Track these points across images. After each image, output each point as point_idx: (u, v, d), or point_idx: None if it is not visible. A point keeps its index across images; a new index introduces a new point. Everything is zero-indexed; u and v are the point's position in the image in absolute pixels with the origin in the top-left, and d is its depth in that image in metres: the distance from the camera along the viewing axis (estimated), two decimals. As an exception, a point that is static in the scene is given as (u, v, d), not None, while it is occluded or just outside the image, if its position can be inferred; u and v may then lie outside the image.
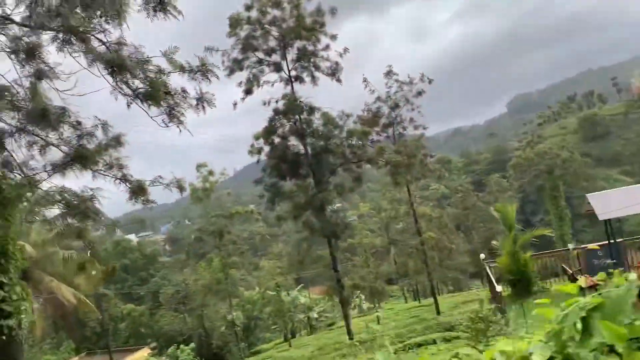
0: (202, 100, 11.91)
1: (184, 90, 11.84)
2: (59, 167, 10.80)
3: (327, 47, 25.67)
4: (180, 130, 11.10)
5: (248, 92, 26.38)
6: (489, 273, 20.59)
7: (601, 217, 16.42)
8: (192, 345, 49.42)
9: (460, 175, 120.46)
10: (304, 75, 26.37)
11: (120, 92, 10.33)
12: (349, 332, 25.58)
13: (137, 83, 10.26)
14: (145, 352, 46.20)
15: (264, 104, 26.68)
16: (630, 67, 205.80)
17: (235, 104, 26.11)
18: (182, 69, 11.61)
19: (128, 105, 10.91)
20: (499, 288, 17.51)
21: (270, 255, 60.74)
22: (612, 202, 16.90)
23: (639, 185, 18.56)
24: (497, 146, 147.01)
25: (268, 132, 25.68)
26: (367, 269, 32.89)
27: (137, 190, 12.25)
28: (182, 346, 47.07)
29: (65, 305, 39.45)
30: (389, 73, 34.02)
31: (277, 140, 26.24)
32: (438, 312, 28.84)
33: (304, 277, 58.17)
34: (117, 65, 9.50)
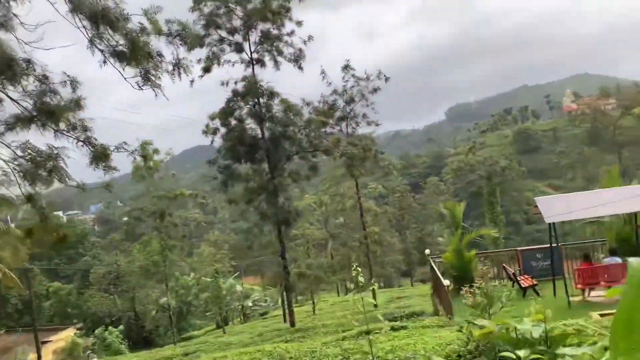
0: (179, 66, 11.52)
1: (160, 54, 11.41)
2: (22, 121, 10.08)
3: (292, 33, 25.45)
4: (156, 95, 10.64)
5: (207, 70, 25.72)
6: (434, 267, 21.18)
7: (547, 220, 17.25)
8: (121, 327, 47.94)
9: (398, 177, 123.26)
10: (266, 58, 26.03)
11: (97, 47, 9.77)
12: (292, 320, 25.59)
13: (117, 39, 9.75)
14: (70, 332, 44.34)
15: (222, 84, 26.10)
16: (562, 86, 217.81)
17: (192, 81, 25.39)
18: (161, 32, 11.18)
19: (103, 64, 10.35)
20: (446, 282, 18.04)
21: (206, 242, 59.73)
22: (558, 206, 17.80)
23: (584, 192, 19.65)
24: (435, 151, 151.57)
25: (225, 114, 25.17)
26: (309, 259, 33.00)
27: (100, 155, 11.66)
28: (110, 328, 45.53)
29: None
30: (346, 67, 34.23)
31: (233, 122, 25.77)
32: (376, 305, 29.42)
33: (239, 266, 57.69)
34: (101, 16, 8.97)
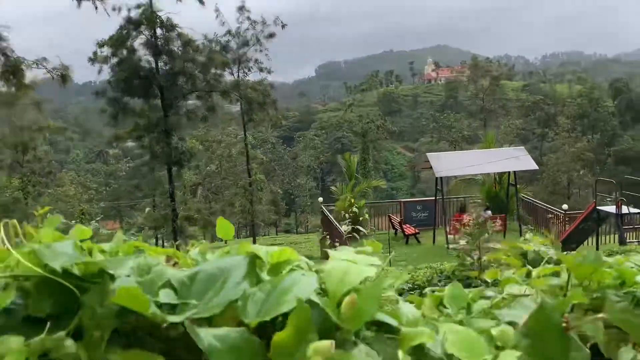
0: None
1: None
2: None
3: (196, -36, 24.00)
4: None
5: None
6: (329, 215, 22.19)
7: (437, 174, 18.91)
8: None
9: (269, 128, 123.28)
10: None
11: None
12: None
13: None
14: None
15: (114, 9, 23.93)
16: (424, 55, 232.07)
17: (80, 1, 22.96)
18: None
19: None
20: (345, 228, 19.07)
21: (60, 181, 55.34)
22: (448, 162, 19.56)
23: (469, 151, 21.74)
24: (305, 106, 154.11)
25: (117, 42, 23.23)
26: (201, 203, 32.44)
27: (13, 70, 10.38)
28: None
29: None
30: (241, 8, 33.18)
31: (125, 52, 23.92)
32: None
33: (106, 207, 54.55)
34: None
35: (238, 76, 32.28)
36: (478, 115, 67.12)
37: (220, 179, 45.16)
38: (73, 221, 35.64)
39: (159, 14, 23.64)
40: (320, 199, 24.17)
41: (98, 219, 50.54)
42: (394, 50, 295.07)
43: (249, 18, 33.23)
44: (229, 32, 32.65)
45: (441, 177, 19.86)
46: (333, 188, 25.05)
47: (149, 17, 23.24)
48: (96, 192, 47.61)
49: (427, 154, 20.53)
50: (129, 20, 23.78)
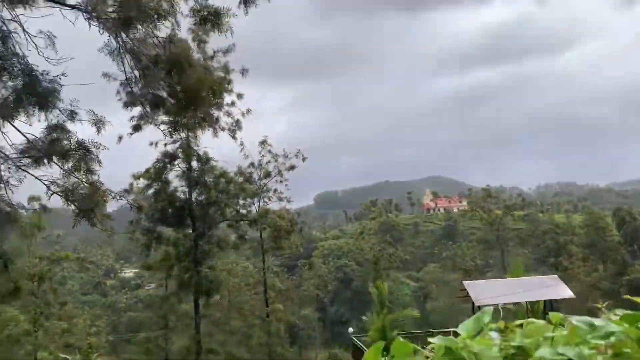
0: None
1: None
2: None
3: (232, 104, 25.82)
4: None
5: (137, 128, 24.89)
6: (361, 345, 21.59)
7: (477, 303, 18.75)
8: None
9: (269, 257, 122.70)
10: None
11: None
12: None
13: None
14: None
15: (151, 144, 25.36)
16: (420, 184, 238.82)
17: (120, 138, 24.35)
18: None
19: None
20: None
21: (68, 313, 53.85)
22: (486, 290, 19.51)
23: (509, 279, 21.70)
24: (306, 233, 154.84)
25: (155, 174, 24.23)
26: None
27: (97, 203, 10.79)
28: None
29: None
30: (263, 142, 34.97)
31: (159, 184, 24.85)
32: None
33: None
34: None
35: (259, 206, 33.20)
36: (492, 244, 67.48)
37: (224, 309, 44.11)
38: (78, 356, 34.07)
39: (195, 148, 24.99)
40: (351, 329, 23.64)
41: (97, 353, 48.34)
42: (390, 180, 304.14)
43: (270, 151, 34.97)
44: (252, 164, 34.17)
45: (478, 306, 19.66)
46: (364, 318, 24.55)
47: (187, 151, 24.48)
48: (105, 324, 46.19)
49: (464, 282, 20.55)
50: (165, 154, 25.05)
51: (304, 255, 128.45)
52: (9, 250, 11.38)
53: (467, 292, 19.79)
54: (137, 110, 24.06)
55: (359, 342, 22.22)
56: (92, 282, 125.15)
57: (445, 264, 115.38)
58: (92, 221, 10.18)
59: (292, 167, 34.52)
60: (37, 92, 8.75)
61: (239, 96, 25.84)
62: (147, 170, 24.76)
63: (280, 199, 33.94)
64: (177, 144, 25.13)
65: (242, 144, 34.00)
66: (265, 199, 33.61)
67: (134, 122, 24.82)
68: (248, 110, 26.26)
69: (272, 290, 34.78)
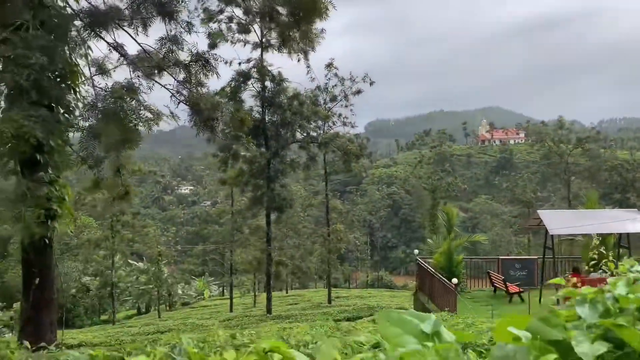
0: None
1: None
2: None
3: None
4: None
5: (213, 46, 25.12)
6: (428, 267, 22.18)
7: (551, 232, 18.74)
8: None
9: (319, 182, 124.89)
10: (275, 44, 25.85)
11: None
12: (270, 307, 25.51)
13: None
14: (-15, 303, 40.77)
15: (226, 63, 25.61)
16: (475, 115, 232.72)
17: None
18: None
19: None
20: (455, 280, 18.98)
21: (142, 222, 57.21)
22: (562, 220, 19.44)
23: (585, 210, 21.52)
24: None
25: (230, 93, 24.69)
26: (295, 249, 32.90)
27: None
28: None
29: None
30: (329, 65, 34.58)
31: (235, 103, 25.32)
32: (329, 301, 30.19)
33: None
34: None
35: (323, 130, 33.46)
36: (553, 177, 65.90)
37: (292, 226, 45.84)
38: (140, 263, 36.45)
39: (269, 68, 25.12)
40: (416, 252, 24.29)
41: (164, 261, 51.67)
42: (445, 110, 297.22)
43: (336, 75, 34.65)
44: (318, 87, 34.07)
45: (552, 236, 19.69)
46: (429, 241, 25.10)
47: (261, 71, 24.67)
48: (174, 234, 49.08)
49: (539, 211, 20.46)
50: (240, 73, 25.34)
51: (352, 182, 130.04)
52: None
53: (540, 222, 19.76)
54: (214, 26, 24.26)
55: (424, 264, 22.82)
56: (151, 196, 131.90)
57: (498, 195, 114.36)
58: (214, 130, 10.72)
59: (358, 92, 34.27)
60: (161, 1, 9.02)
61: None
62: (223, 89, 25.21)
63: (344, 124, 34.07)
64: (251, 64, 25.34)
65: (308, 66, 33.88)
66: (330, 123, 33.82)
67: (210, 40, 25.16)
68: (322, 30, 25.87)
69: (333, 212, 35.72)
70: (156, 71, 10.29)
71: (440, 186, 57.01)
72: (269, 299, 25.81)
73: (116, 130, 8.56)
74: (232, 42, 24.60)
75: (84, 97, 8.78)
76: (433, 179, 58.51)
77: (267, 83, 25.34)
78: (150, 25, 9.83)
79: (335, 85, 34.38)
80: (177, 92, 9.84)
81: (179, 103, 9.85)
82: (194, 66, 9.91)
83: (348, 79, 34.47)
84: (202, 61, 9.88)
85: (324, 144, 25.95)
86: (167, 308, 52.44)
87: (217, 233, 42.66)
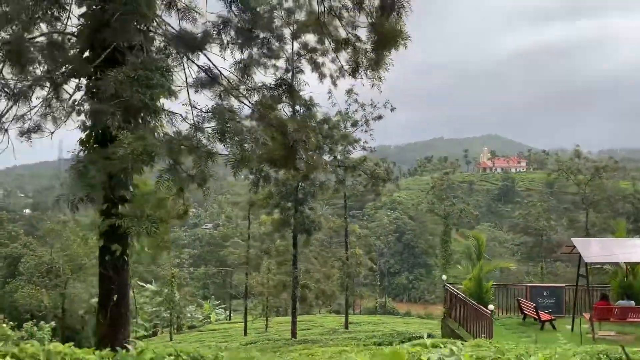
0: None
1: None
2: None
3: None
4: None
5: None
6: (459, 294, 22.22)
7: (587, 260, 18.83)
8: (52, 324, 44.28)
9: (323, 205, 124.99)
10: (306, 69, 26.29)
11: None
12: (295, 331, 25.41)
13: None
14: (-4, 323, 40.45)
15: (253, 88, 25.99)
16: (476, 142, 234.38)
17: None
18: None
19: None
20: (491, 307, 19.00)
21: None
22: (596, 248, 19.58)
23: (616, 239, 21.71)
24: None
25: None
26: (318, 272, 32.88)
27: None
28: (42, 323, 41.94)
29: None
30: (349, 91, 35.06)
31: (265, 125, 25.68)
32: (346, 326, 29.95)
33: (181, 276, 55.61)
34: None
35: (343, 154, 33.78)
36: (575, 205, 66.03)
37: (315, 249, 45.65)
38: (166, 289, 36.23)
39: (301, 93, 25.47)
40: (444, 277, 24.32)
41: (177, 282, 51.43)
42: (445, 137, 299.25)
43: (356, 100, 35.10)
44: (339, 112, 34.49)
45: (587, 263, 19.81)
46: (459, 267, 25.17)
47: (293, 94, 25.02)
48: (189, 256, 49.00)
49: (573, 239, 20.61)
50: (272, 96, 25.68)
51: (356, 206, 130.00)
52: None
53: (572, 249, 19.89)
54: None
55: (455, 290, 22.84)
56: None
57: (501, 223, 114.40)
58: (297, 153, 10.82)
59: (379, 117, 34.64)
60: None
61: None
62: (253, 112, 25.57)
63: (364, 149, 34.39)
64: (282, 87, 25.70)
65: (329, 90, 34.36)
66: (350, 147, 34.17)
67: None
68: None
69: (351, 235, 35.80)
70: (242, 94, 10.60)
71: (452, 212, 57.20)
72: (294, 323, 25.72)
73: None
74: (264, 67, 24.94)
75: (185, 117, 9.03)
76: (445, 205, 58.75)
77: (297, 107, 25.68)
78: (238, 49, 10.15)
79: (356, 111, 34.81)
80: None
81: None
82: (277, 90, 10.18)
83: (369, 104, 34.90)
84: (286, 86, 10.14)
85: (352, 168, 26.21)
86: (175, 331, 52.03)
87: (230, 255, 42.57)
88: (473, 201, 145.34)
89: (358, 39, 10.27)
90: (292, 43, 11.10)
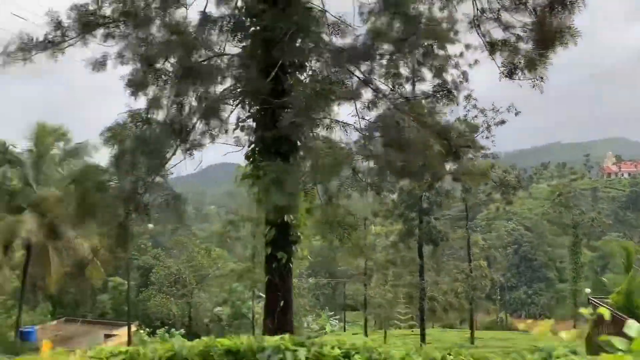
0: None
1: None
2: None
3: (460, 55, 25.27)
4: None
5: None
6: (612, 310, 20.36)
7: None
8: (182, 331, 47.16)
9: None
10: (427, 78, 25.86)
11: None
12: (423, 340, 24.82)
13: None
14: (132, 328, 43.74)
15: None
16: (599, 146, 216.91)
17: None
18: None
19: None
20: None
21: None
22: None
23: None
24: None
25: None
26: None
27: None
28: (173, 330, 44.77)
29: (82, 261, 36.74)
30: (468, 97, 33.89)
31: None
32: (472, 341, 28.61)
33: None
34: None
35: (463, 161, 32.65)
36: None
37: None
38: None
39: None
40: (588, 290, 22.59)
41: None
42: (562, 142, 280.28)
43: (475, 106, 33.88)
44: (458, 119, 33.46)
45: None
46: (604, 279, 23.27)
47: (452, 100, 24.68)
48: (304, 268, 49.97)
49: None
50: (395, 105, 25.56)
51: (462, 216, 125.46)
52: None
53: None
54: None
55: (600, 303, 21.08)
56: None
57: (630, 233, 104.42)
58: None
59: (502, 122, 33.20)
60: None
61: (467, 47, 25.13)
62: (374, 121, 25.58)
63: (486, 156, 33.03)
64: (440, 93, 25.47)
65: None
66: (470, 154, 32.93)
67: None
68: (476, 62, 25.53)
69: (474, 247, 34.47)
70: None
71: (581, 222, 53.30)
72: (422, 336, 25.14)
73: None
74: (386, 77, 24.90)
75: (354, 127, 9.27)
76: (574, 214, 54.93)
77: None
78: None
79: (476, 116, 33.64)
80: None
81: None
82: (436, 96, 10.06)
83: (490, 109, 33.58)
84: (445, 91, 9.98)
85: (483, 176, 25.16)
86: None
87: (343, 266, 42.78)
88: (598, 210, 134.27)
89: (519, 38, 9.84)
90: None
